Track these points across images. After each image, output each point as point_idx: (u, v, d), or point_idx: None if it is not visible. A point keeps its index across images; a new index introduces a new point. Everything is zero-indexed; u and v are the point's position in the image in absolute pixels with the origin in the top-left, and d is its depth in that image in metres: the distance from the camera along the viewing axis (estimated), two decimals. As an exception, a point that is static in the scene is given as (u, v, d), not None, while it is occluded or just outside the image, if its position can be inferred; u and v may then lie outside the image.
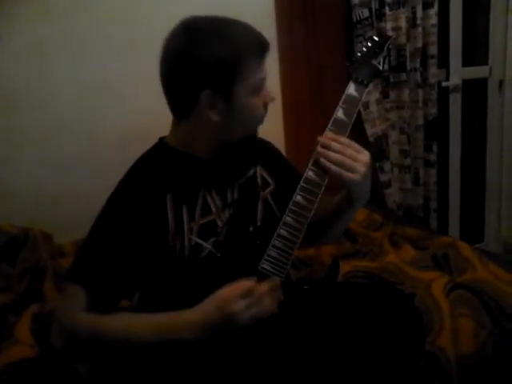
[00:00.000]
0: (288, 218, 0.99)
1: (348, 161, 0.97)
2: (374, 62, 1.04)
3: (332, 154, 0.97)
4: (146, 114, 1.80)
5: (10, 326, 1.42)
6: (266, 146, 1.22)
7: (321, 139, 0.99)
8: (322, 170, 0.99)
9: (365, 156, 0.99)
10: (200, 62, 0.94)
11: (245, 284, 0.90)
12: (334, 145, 0.97)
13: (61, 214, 1.91)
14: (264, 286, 0.92)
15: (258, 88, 1.01)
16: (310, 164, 1.00)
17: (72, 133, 1.94)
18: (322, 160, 0.98)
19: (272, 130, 1.13)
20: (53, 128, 1.91)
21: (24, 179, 1.90)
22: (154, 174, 1.03)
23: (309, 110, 2.19)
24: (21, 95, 1.86)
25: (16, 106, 1.86)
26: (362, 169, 0.97)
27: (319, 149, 0.98)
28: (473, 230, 2.80)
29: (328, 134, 1.00)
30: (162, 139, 1.09)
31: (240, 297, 0.88)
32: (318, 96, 2.17)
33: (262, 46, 0.99)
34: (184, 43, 0.95)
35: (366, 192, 1.07)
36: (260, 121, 1.06)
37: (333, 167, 0.97)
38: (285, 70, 2.15)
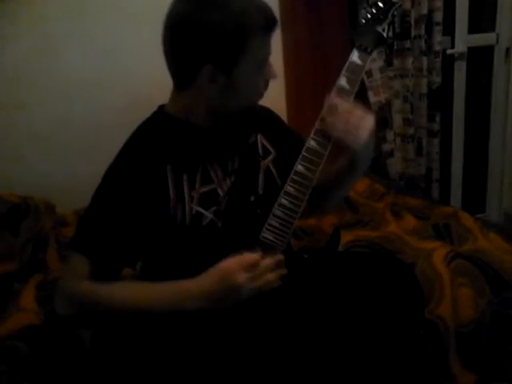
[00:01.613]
0: (289, 188, 0.99)
1: (352, 126, 0.96)
2: (379, 29, 1.02)
3: (337, 119, 0.96)
4: (151, 88, 1.79)
5: (15, 293, 1.44)
6: (267, 114, 1.21)
7: (327, 102, 0.97)
8: (324, 139, 0.98)
9: (369, 121, 0.98)
10: (202, 33, 0.91)
11: (250, 257, 0.91)
12: (340, 108, 0.96)
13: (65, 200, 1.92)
14: (269, 261, 0.92)
15: (261, 64, 0.99)
16: (312, 133, 0.99)
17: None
18: (327, 124, 0.96)
19: (273, 99, 1.11)
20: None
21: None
22: (154, 143, 1.02)
23: (312, 76, 2.16)
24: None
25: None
26: (365, 134, 0.96)
27: (324, 112, 0.97)
28: (475, 200, 2.80)
29: (333, 97, 0.98)
30: (161, 107, 1.07)
31: (244, 269, 0.89)
32: (321, 62, 2.14)
33: (268, 22, 0.96)
34: (187, 12, 0.92)
35: (369, 157, 1.05)
36: (260, 97, 1.05)
37: (336, 133, 0.96)
38: (288, 43, 2.11)
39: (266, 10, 0.95)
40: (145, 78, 1.88)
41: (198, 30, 0.91)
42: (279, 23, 0.98)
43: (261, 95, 1.05)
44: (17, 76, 1.84)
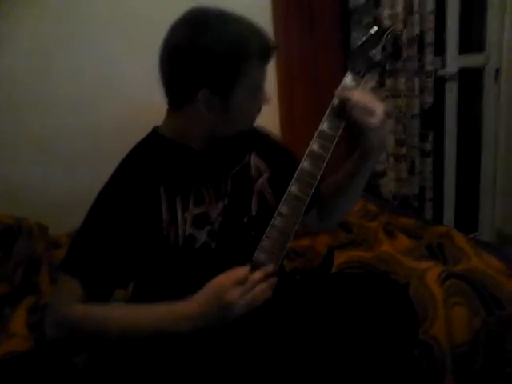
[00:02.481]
0: (283, 209, 0.99)
1: (369, 104, 0.97)
2: (371, 54, 1.03)
3: (356, 95, 0.97)
4: (146, 109, 1.78)
5: (5, 317, 1.42)
6: (260, 133, 1.21)
7: (338, 90, 0.99)
8: (318, 159, 0.99)
9: (381, 104, 0.99)
10: (198, 59, 0.92)
11: (238, 271, 0.90)
12: (353, 92, 0.98)
13: (61, 213, 1.90)
14: (258, 273, 0.92)
15: (257, 90, 1.00)
16: (305, 155, 1.00)
17: (72, 133, 1.94)
18: (350, 103, 0.97)
19: (267, 120, 1.12)
20: (54, 127, 1.90)
21: (26, 178, 1.89)
22: (147, 165, 1.02)
23: (305, 100, 2.18)
24: (22, 93, 1.84)
25: (17, 106, 1.85)
26: (381, 113, 0.98)
27: (340, 91, 0.98)
28: (467, 219, 2.81)
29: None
30: (155, 129, 1.08)
31: (234, 284, 0.89)
32: (314, 85, 2.15)
33: (265, 50, 0.97)
34: (184, 37, 0.93)
35: (383, 141, 1.05)
36: (253, 121, 1.07)
37: (354, 112, 0.97)
38: (281, 63, 2.13)
39: (263, 37, 0.96)
40: (144, 84, 1.88)
41: (195, 56, 0.92)
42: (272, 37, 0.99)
43: (254, 120, 1.06)
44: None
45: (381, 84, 2.27)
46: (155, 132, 1.07)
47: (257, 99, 1.01)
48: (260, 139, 1.20)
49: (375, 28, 1.05)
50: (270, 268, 0.95)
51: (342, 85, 1.01)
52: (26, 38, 1.80)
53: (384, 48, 1.05)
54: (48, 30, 1.81)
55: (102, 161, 1.88)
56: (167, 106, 1.04)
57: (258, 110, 1.05)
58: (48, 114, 1.88)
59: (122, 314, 0.97)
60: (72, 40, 1.86)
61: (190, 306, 0.91)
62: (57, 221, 1.85)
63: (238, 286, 0.89)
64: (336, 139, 0.99)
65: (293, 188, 0.99)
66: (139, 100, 1.89)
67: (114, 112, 1.95)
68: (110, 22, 1.89)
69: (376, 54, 1.03)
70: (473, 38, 2.64)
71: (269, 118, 1.11)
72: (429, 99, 2.36)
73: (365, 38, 1.04)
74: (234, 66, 0.93)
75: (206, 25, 0.93)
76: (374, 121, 0.97)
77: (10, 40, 1.78)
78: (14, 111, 1.84)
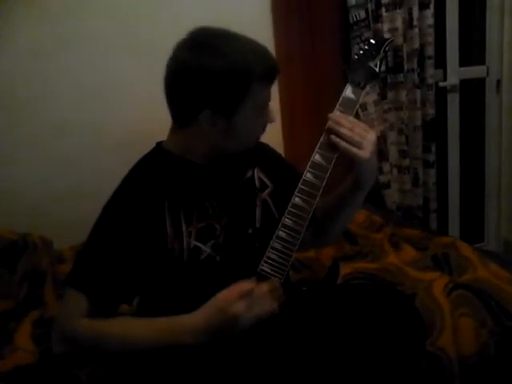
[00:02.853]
0: (287, 220, 0.99)
1: (357, 137, 0.98)
2: (371, 65, 1.04)
3: (342, 130, 0.98)
4: (145, 113, 1.79)
5: (10, 332, 1.42)
6: (263, 148, 1.22)
7: (331, 115, 1.00)
8: (320, 170, 0.99)
9: (372, 134, 1.00)
10: (202, 82, 0.93)
11: (244, 285, 0.90)
12: (344, 121, 0.99)
13: (61, 214, 1.91)
14: (263, 287, 0.92)
15: (261, 110, 1.01)
16: (308, 165, 1.00)
17: (72, 133, 1.93)
18: (333, 137, 0.98)
19: (270, 133, 1.13)
20: (53, 128, 1.90)
21: (24, 179, 1.89)
22: (151, 179, 1.03)
23: (306, 112, 2.19)
24: (21, 95, 1.85)
25: (16, 107, 1.85)
26: (370, 145, 0.98)
27: (330, 124, 0.99)
28: (473, 229, 2.80)
29: (337, 113, 1.01)
30: (159, 144, 1.08)
31: (240, 298, 0.88)
32: (315, 98, 2.17)
33: (269, 71, 0.97)
34: (188, 58, 0.94)
35: (374, 173, 1.07)
36: (257, 140, 1.08)
37: (342, 143, 0.98)
38: (281, 72, 2.14)
39: (268, 58, 0.97)
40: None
41: (198, 77, 0.93)
42: (273, 48, 1.00)
43: (258, 138, 1.07)
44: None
45: (382, 97, 2.29)
46: (159, 147, 1.08)
47: (261, 118, 1.02)
48: (263, 154, 1.20)
49: (374, 39, 1.06)
50: (275, 282, 0.95)
51: (342, 97, 1.02)
52: (26, 38, 1.81)
53: (383, 59, 1.06)
54: (48, 30, 1.83)
55: (102, 160, 1.93)
56: (172, 123, 1.05)
57: (263, 129, 1.06)
58: (48, 114, 1.89)
59: (126, 328, 0.96)
60: (72, 40, 1.86)
61: (195, 320, 0.91)
62: (57, 220, 1.86)
63: (243, 299, 0.88)
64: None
65: (296, 199, 1.00)
66: (139, 99, 1.91)
67: (115, 112, 1.96)
68: (109, 21, 1.90)
69: (375, 65, 1.04)
70: (473, 50, 2.65)
71: (271, 133, 1.11)
72: (431, 111, 2.37)
73: (364, 49, 1.05)
74: (237, 87, 0.94)
75: (210, 46, 0.93)
76: (362, 153, 0.98)
77: (10, 40, 1.79)
78: (14, 111, 1.85)
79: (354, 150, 0.98)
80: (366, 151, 0.98)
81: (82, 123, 1.94)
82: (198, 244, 1.01)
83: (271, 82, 1.00)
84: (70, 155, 1.95)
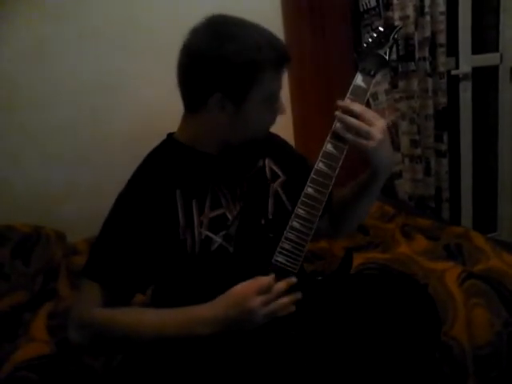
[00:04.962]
0: (300, 210, 0.99)
1: (365, 127, 0.97)
2: (380, 53, 1.03)
3: (349, 119, 0.97)
4: (147, 110, 1.80)
5: (25, 323, 1.44)
6: (274, 139, 1.22)
7: (339, 103, 0.99)
8: (332, 159, 0.99)
9: (381, 122, 0.99)
10: (214, 64, 0.93)
11: (262, 280, 0.90)
12: (353, 107, 0.98)
13: (65, 213, 1.92)
14: (282, 284, 0.92)
15: (271, 99, 1.00)
16: (320, 156, 1.00)
17: (74, 131, 1.94)
18: (339, 128, 0.98)
19: (281, 126, 1.12)
20: (55, 127, 1.91)
21: (27, 178, 1.90)
22: (163, 170, 1.03)
23: (317, 102, 2.18)
24: (23, 95, 1.85)
25: (18, 106, 1.86)
26: (378, 134, 0.97)
27: (337, 113, 0.98)
28: (486, 219, 2.77)
29: (347, 101, 1.00)
30: (170, 135, 1.09)
31: (257, 292, 0.89)
32: (326, 87, 2.15)
33: (280, 59, 0.97)
34: (201, 43, 0.95)
35: (387, 162, 1.05)
36: (267, 130, 1.07)
37: (348, 135, 0.97)
38: (292, 66, 2.13)
39: (279, 47, 0.97)
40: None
41: (210, 62, 0.93)
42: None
43: (267, 129, 1.07)
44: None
45: (394, 85, 2.27)
46: (170, 137, 1.08)
47: (271, 108, 1.02)
48: (275, 145, 1.20)
49: (383, 27, 1.06)
50: (292, 279, 0.95)
51: (352, 85, 1.02)
52: (26, 38, 1.81)
53: (392, 47, 1.05)
54: (48, 30, 1.82)
55: (102, 160, 1.93)
56: (184, 112, 1.05)
57: (273, 120, 1.05)
58: (48, 114, 1.89)
59: (141, 317, 0.97)
60: (72, 40, 1.86)
61: (210, 311, 0.91)
62: (57, 220, 1.86)
63: (261, 294, 0.89)
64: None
65: (309, 189, 1.00)
66: (140, 99, 1.91)
67: (115, 111, 1.96)
68: (110, 21, 1.89)
69: (385, 52, 1.04)
70: (486, 37, 2.61)
71: (282, 123, 1.11)
72: (442, 100, 2.35)
73: (373, 37, 1.05)
74: (247, 73, 0.94)
75: (224, 31, 0.94)
76: (370, 143, 0.97)
77: (11, 40, 1.79)
78: (14, 111, 1.85)
79: (361, 140, 0.97)
80: (373, 141, 0.97)
81: (84, 121, 1.94)
82: (210, 234, 1.02)
83: (282, 70, 1.00)
84: (72, 153, 1.94)
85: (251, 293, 0.89)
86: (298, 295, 0.94)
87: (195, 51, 0.96)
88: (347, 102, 1.00)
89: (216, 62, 0.93)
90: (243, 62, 0.93)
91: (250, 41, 0.94)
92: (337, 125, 0.99)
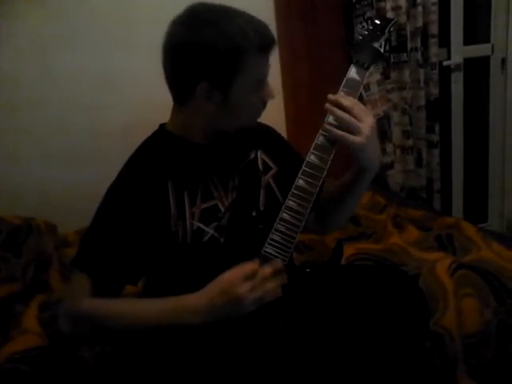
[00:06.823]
0: (291, 202, 0.99)
1: (354, 122, 0.96)
2: (376, 45, 1.03)
3: (338, 112, 0.96)
4: (147, 108, 1.78)
5: (17, 315, 1.44)
6: (266, 130, 1.22)
7: (329, 96, 0.98)
8: (324, 152, 0.99)
9: (371, 118, 0.98)
10: (197, 53, 0.93)
11: (248, 266, 0.90)
12: (343, 101, 0.97)
13: (64, 211, 1.91)
14: (267, 269, 0.92)
15: (258, 84, 0.99)
16: (312, 147, 1.00)
17: (74, 129, 1.94)
18: (327, 126, 0.97)
19: (273, 119, 1.12)
20: (54, 125, 1.91)
21: (26, 176, 1.90)
22: (155, 161, 1.03)
23: (310, 93, 2.17)
24: (23, 94, 1.85)
25: (18, 104, 1.85)
26: (366, 130, 0.96)
27: (327, 106, 0.98)
28: (476, 210, 2.79)
29: (341, 94, 0.99)
30: (162, 126, 1.08)
31: (243, 279, 0.89)
32: (318, 83, 2.15)
33: (265, 43, 0.96)
34: (183, 32, 0.94)
35: (375, 159, 1.03)
36: (256, 116, 1.06)
37: (335, 131, 0.96)
38: (285, 58, 2.12)
39: (263, 30, 0.96)
40: (144, 83, 1.84)
41: (193, 50, 0.93)
42: (277, 42, 0.99)
43: (258, 115, 1.06)
44: (13, 78, 1.83)
45: (386, 76, 2.27)
46: (162, 128, 1.08)
47: (259, 93, 1.01)
48: (267, 137, 1.20)
49: (378, 20, 1.05)
50: (278, 263, 0.95)
51: (346, 78, 1.01)
52: (26, 38, 1.81)
53: (387, 40, 1.05)
54: (48, 29, 1.82)
55: (103, 160, 1.93)
56: (172, 103, 1.05)
57: (263, 105, 1.04)
58: (48, 114, 1.89)
59: (129, 306, 0.97)
60: (72, 40, 1.86)
61: (198, 300, 0.91)
62: (57, 220, 1.86)
63: (247, 280, 0.89)
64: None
65: (300, 181, 0.99)
66: (140, 99, 1.91)
67: (115, 111, 1.96)
68: (110, 21, 1.89)
69: (380, 45, 1.03)
70: (478, 28, 2.61)
71: (274, 115, 1.11)
72: (434, 91, 2.35)
73: (368, 30, 1.04)
74: (232, 59, 0.93)
75: (206, 20, 0.93)
76: (358, 139, 0.96)
77: (10, 40, 1.79)
78: (14, 111, 1.85)
79: (348, 136, 0.96)
80: (361, 137, 0.96)
81: (82, 123, 1.94)
82: (201, 225, 1.02)
83: (268, 54, 0.98)
84: (72, 151, 1.94)
85: (237, 279, 0.89)
86: (284, 278, 0.94)
87: (177, 40, 0.95)
88: (338, 96, 0.99)
89: (198, 50, 0.92)
90: (225, 48, 0.91)
91: (231, 27, 0.92)
92: (329, 118, 0.99)
